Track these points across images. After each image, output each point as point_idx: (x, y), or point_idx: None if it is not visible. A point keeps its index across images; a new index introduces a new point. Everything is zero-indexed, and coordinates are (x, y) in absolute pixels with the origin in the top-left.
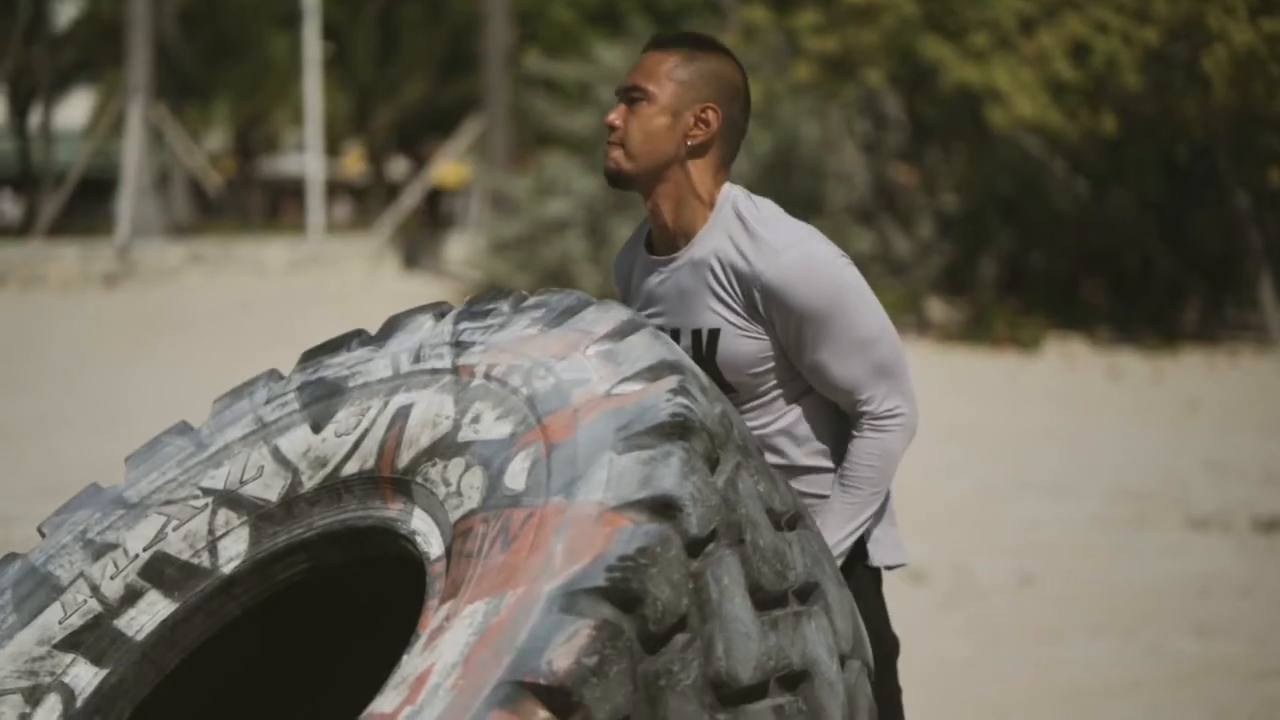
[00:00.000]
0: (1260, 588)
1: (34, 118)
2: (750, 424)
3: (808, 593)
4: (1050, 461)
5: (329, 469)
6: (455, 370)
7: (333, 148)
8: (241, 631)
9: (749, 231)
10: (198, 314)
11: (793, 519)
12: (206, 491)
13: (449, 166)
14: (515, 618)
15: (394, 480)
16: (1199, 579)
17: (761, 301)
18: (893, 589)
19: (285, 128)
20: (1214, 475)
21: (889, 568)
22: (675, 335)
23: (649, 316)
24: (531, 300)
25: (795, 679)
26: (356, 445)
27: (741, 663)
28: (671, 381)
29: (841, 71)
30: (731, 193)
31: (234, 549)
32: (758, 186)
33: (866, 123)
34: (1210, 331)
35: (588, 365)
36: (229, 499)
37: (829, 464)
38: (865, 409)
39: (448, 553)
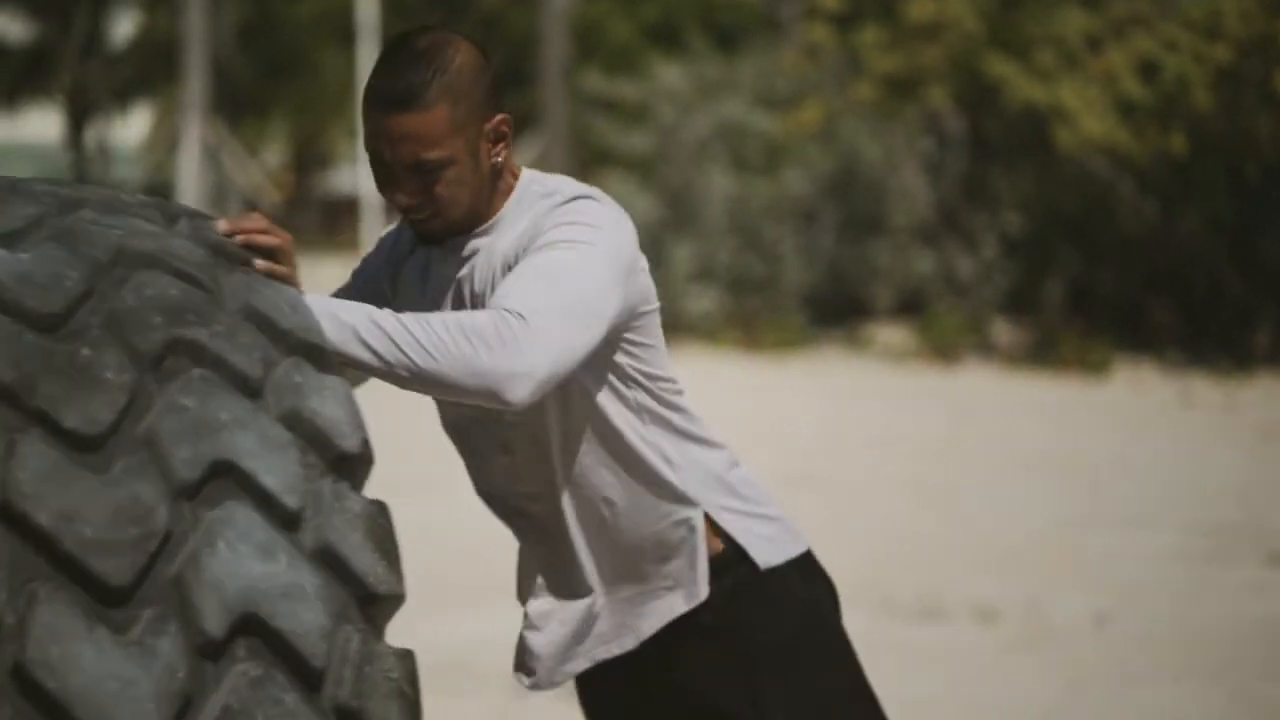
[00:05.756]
0: None
1: (91, 135)
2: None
3: (239, 634)
4: (1124, 491)
5: None
6: None
7: None
8: None
9: (547, 192)
10: None
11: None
12: None
13: None
14: None
15: None
16: None
17: (532, 235)
18: (964, 630)
19: (342, 142)
20: None
21: (791, 562)
22: None
23: (414, 306)
24: None
25: None
26: None
27: None
28: None
29: (904, 90)
30: (531, 176)
31: None
32: (819, 206)
33: (929, 142)
34: None
35: None
36: None
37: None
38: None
39: None
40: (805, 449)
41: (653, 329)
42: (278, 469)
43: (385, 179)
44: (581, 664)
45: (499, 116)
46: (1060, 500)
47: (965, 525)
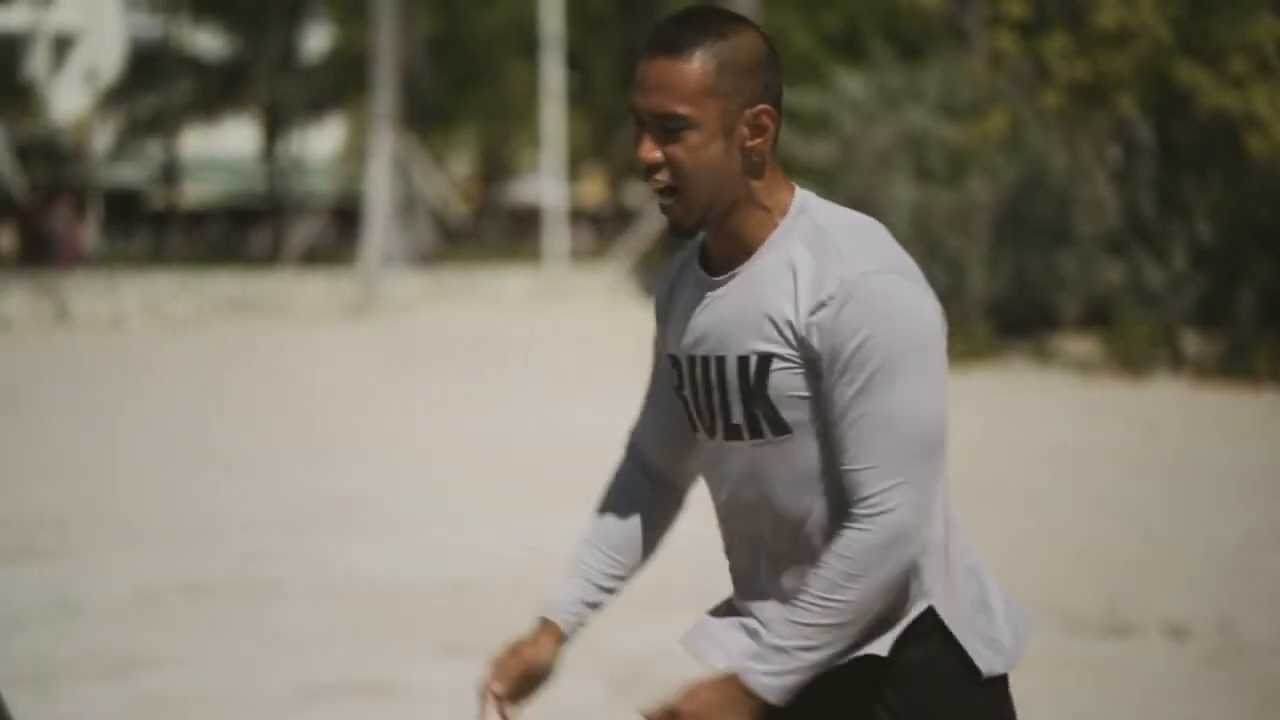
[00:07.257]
0: None
1: (285, 147)
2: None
3: None
4: None
5: None
6: None
7: (573, 173)
8: None
9: (833, 242)
10: (439, 345)
11: None
12: None
13: None
14: None
15: None
16: None
17: (823, 321)
18: (1154, 647)
19: (527, 152)
20: None
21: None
22: (720, 364)
23: (693, 346)
24: None
25: None
26: None
27: None
28: None
29: (1092, 98)
30: (806, 201)
31: None
32: (1003, 215)
33: (1117, 150)
34: None
35: None
36: None
37: None
38: (856, 494)
39: None
40: (990, 462)
41: None
42: None
43: (637, 135)
44: None
45: (763, 106)
46: (1251, 516)
47: (1154, 541)
